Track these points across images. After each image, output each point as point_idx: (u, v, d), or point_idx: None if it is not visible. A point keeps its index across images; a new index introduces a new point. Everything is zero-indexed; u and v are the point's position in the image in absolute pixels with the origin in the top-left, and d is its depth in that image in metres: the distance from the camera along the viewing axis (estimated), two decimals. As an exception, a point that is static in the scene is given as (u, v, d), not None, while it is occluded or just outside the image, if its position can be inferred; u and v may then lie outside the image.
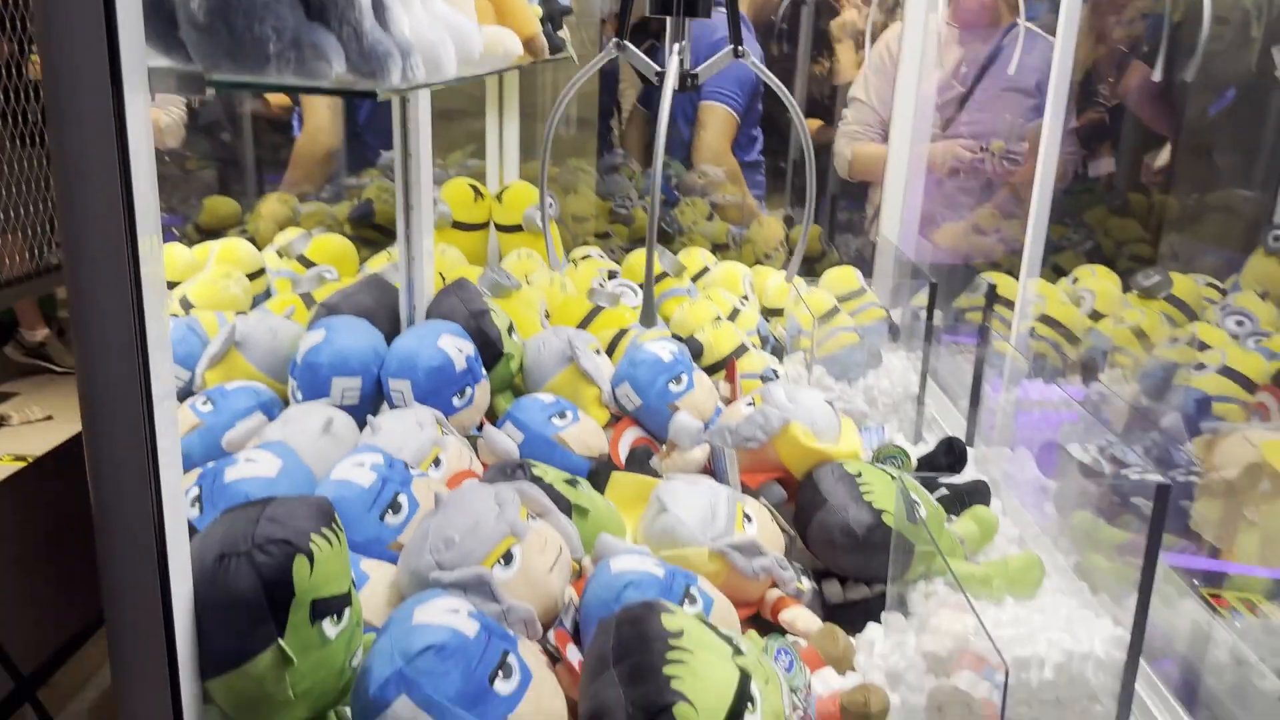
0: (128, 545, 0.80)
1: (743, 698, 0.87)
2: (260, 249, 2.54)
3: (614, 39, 1.05)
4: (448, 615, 0.92)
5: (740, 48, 1.01)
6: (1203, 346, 2.12)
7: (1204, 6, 2.17)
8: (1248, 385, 1.90)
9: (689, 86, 1.02)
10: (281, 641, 0.88)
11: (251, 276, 2.38)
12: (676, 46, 1.03)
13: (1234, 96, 2.89)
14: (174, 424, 0.82)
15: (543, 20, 1.89)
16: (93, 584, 0.82)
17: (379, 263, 2.46)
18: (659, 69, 0.98)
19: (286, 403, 1.78)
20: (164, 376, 0.80)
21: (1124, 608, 1.38)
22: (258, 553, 0.88)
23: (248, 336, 1.72)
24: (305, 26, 0.75)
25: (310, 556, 0.90)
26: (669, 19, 1.12)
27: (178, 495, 0.82)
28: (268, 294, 2.41)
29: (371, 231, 3.16)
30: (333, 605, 0.92)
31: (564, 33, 2.05)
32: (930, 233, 3.00)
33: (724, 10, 1.20)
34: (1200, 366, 1.99)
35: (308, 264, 2.45)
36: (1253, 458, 1.57)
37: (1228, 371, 1.93)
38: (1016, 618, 1.36)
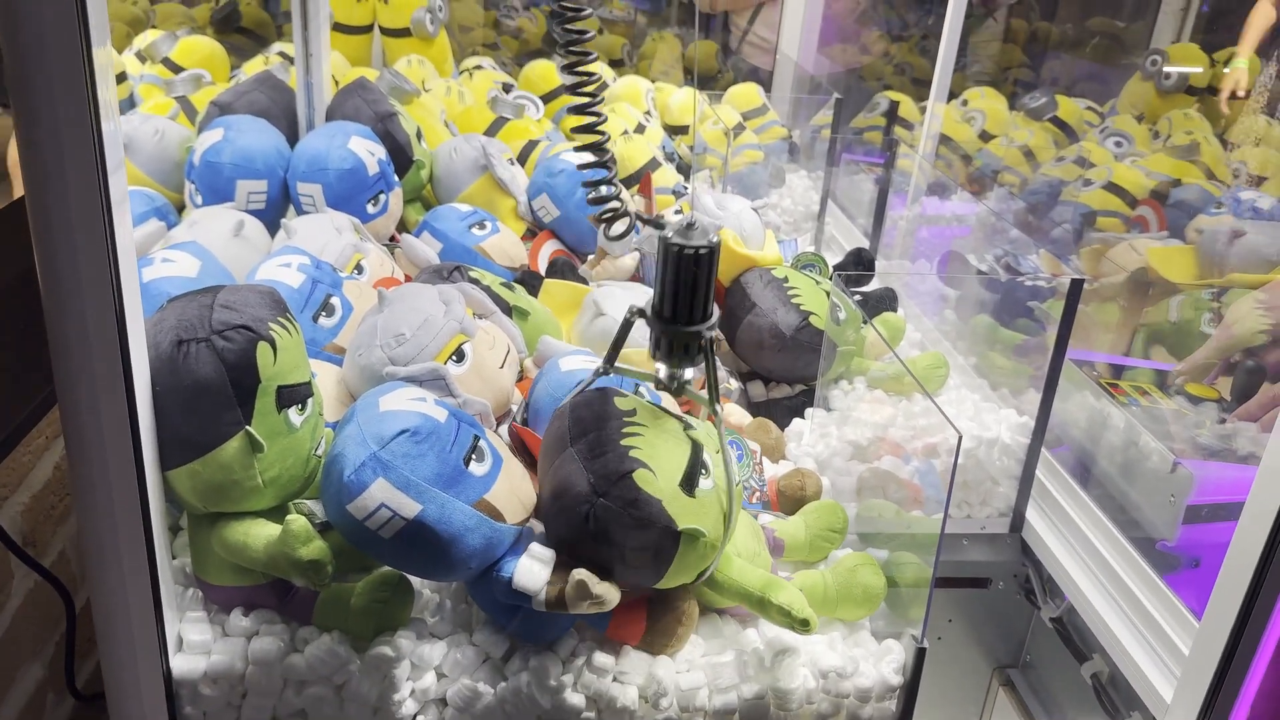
0: (82, 324, 0.74)
1: (696, 463, 0.91)
2: (117, 51, 2.31)
3: (603, 369, 1.01)
4: (415, 403, 0.91)
5: (717, 405, 0.98)
6: (1087, 165, 2.22)
7: None
8: (1130, 200, 2.02)
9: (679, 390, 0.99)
10: (250, 428, 0.85)
11: (113, 80, 2.17)
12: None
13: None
14: (125, 193, 0.76)
15: None
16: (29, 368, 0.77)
17: (255, 68, 2.29)
18: (660, 378, 0.97)
19: (181, 209, 1.67)
20: (115, 151, 0.73)
21: (1024, 401, 1.48)
22: (218, 339, 0.84)
23: (132, 139, 1.59)
24: None
25: (272, 343, 0.86)
26: None
27: (133, 270, 0.77)
28: (131, 102, 2.21)
29: (237, 36, 2.92)
30: (298, 393, 0.89)
31: None
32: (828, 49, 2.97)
33: None
34: (1087, 183, 2.09)
35: (175, 69, 2.25)
36: (1139, 264, 1.68)
37: (1112, 187, 2.04)
38: (928, 409, 1.45)
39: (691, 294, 0.89)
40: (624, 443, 0.90)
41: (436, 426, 0.88)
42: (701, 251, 0.88)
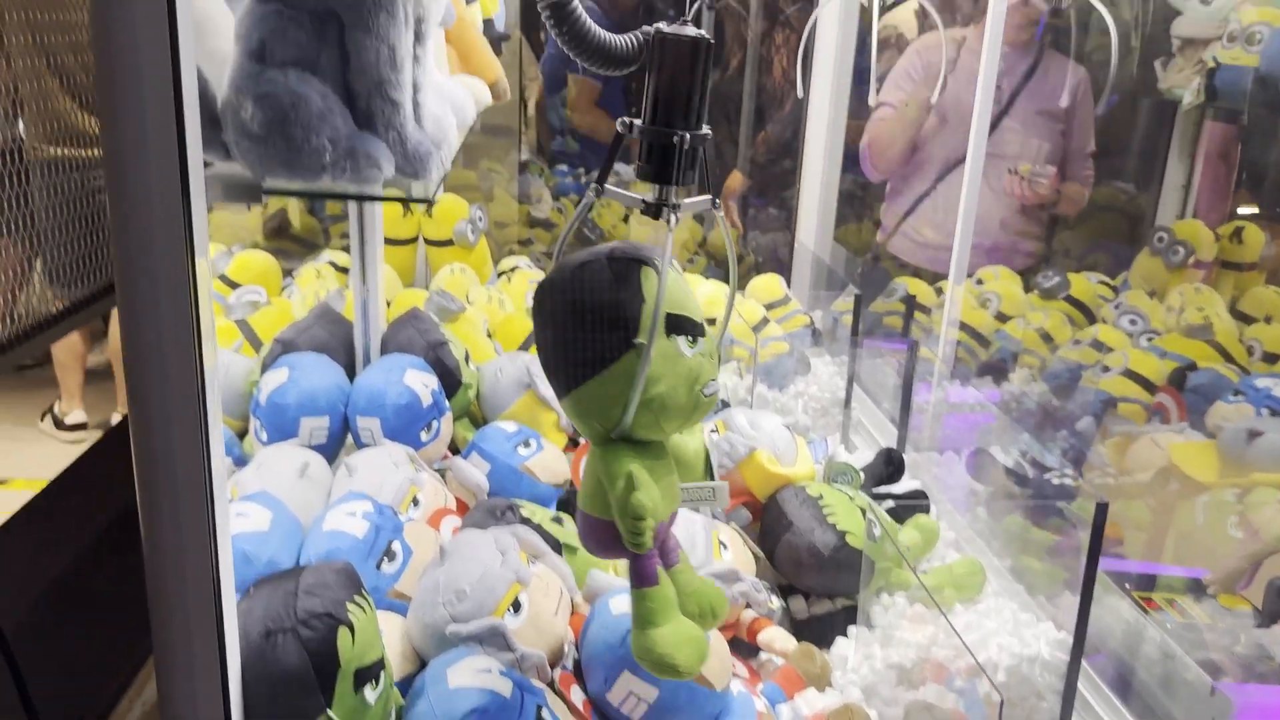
0: (185, 617, 0.82)
1: None
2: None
3: (594, 187, 1.01)
4: (482, 676, 0.97)
5: (717, 200, 1.02)
6: (1103, 348, 2.30)
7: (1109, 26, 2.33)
8: (1148, 386, 2.09)
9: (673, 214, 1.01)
10: (330, 712, 0.91)
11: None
12: (673, 220, 0.96)
13: (1116, 101, 3.10)
14: (225, 477, 0.84)
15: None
16: (125, 636, 0.82)
17: (307, 280, 2.44)
18: (646, 200, 0.94)
19: (241, 436, 1.78)
20: (217, 426, 0.82)
21: (1060, 607, 1.52)
22: (303, 628, 0.91)
23: (201, 374, 1.70)
24: (358, 136, 0.78)
25: (351, 627, 0.93)
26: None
27: (229, 565, 0.85)
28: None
29: (288, 242, 3.11)
30: (372, 671, 0.95)
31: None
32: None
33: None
34: (1105, 369, 2.16)
35: (229, 284, 2.41)
36: (1162, 462, 1.73)
37: (1130, 374, 2.11)
38: (968, 624, 1.49)
39: (687, 94, 0.85)
40: None
41: (504, 703, 0.94)
42: (696, 42, 0.84)
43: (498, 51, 2.04)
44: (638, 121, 0.90)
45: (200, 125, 0.78)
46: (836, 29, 2.67)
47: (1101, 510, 1.32)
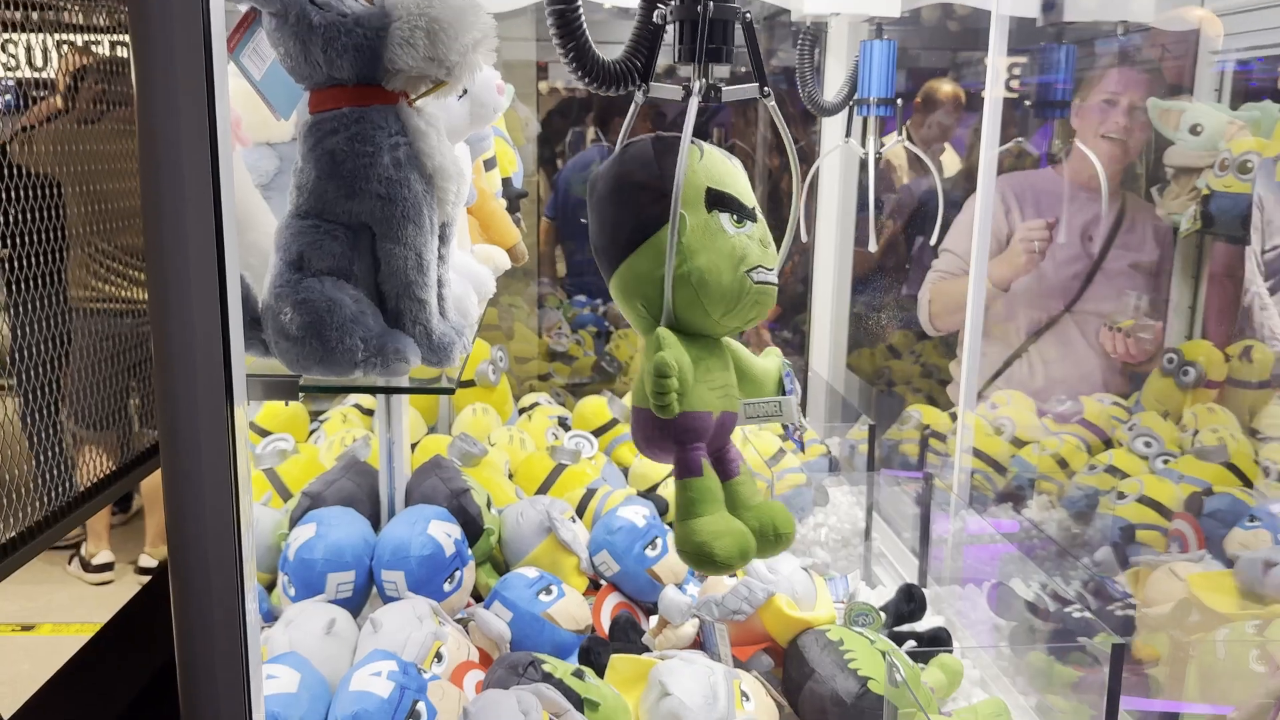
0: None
1: None
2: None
3: (641, 86, 1.01)
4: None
5: (766, 88, 1.00)
6: (1118, 474, 2.31)
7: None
8: (1165, 513, 2.09)
9: (714, 99, 1.03)
10: None
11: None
12: (697, 85, 0.99)
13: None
14: (259, 641, 0.88)
15: (507, 202, 2.02)
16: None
17: (334, 425, 2.50)
18: (686, 87, 0.97)
19: (269, 589, 1.81)
20: (252, 590, 0.86)
21: (1088, 750, 1.50)
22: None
23: (232, 529, 1.75)
24: (388, 334, 0.84)
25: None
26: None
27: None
28: (223, 463, 2.41)
29: (389, 393, 3.19)
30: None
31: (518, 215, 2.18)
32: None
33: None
34: (1121, 496, 2.18)
35: (260, 431, 2.47)
36: (1181, 593, 1.73)
37: (1146, 500, 2.12)
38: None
39: None
40: None
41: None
42: None
43: (516, 208, 2.15)
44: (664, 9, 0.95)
45: (243, 325, 0.85)
46: (839, 170, 2.79)
47: (1119, 651, 1.33)
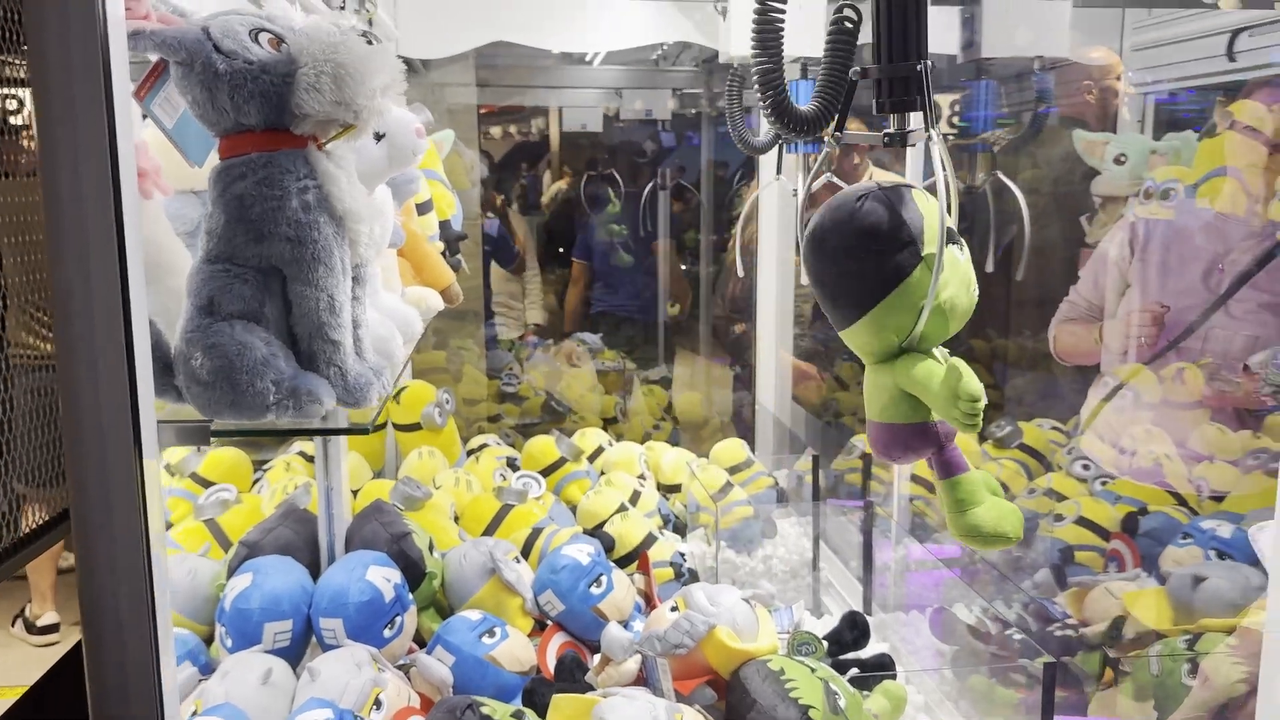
0: None
1: None
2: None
3: (833, 133, 1.16)
4: None
5: (931, 129, 1.10)
6: (1057, 496, 2.36)
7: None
8: (1102, 534, 2.13)
9: (902, 142, 1.13)
10: None
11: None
12: (934, 134, 1.11)
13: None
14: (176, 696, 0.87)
15: (444, 245, 2.03)
16: None
17: (277, 474, 2.48)
18: (889, 131, 1.12)
19: (207, 642, 1.78)
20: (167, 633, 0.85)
21: (1029, 770, 1.51)
22: None
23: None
24: (300, 376, 0.85)
25: None
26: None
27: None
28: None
29: (260, 435, 3.15)
30: None
31: (460, 255, 2.19)
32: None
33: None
34: (1059, 518, 2.22)
35: (203, 483, 2.44)
36: (1117, 610, 1.76)
37: (1083, 522, 2.16)
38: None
39: (903, 24, 1.03)
40: None
41: None
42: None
43: (456, 250, 2.16)
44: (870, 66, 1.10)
45: (155, 372, 0.85)
46: (777, 207, 2.84)
47: (1050, 669, 1.35)
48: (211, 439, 0.86)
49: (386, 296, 1.19)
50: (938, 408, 1.08)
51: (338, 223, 0.87)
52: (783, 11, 1.14)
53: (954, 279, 1.10)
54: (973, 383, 1.04)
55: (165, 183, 1.12)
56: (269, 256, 0.85)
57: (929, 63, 1.08)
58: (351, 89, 0.83)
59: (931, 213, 1.10)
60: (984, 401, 1.03)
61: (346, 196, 0.86)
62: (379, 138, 1.10)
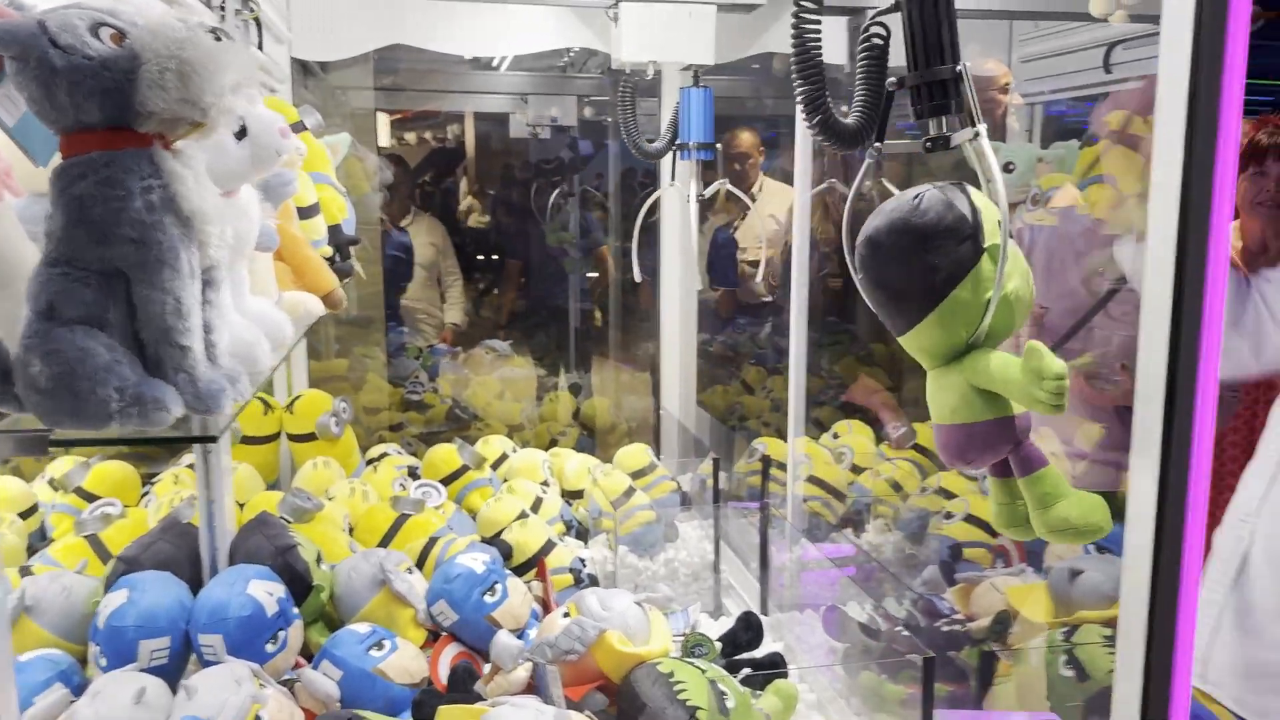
0: None
1: None
2: (28, 480, 2.41)
3: (874, 145, 1.17)
4: None
5: (977, 130, 1.11)
6: (948, 495, 2.42)
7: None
8: (989, 530, 2.19)
9: (943, 146, 1.14)
10: None
11: (24, 515, 2.27)
12: (981, 128, 1.12)
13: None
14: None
15: (334, 250, 1.99)
16: None
17: (165, 488, 2.40)
18: (928, 137, 1.11)
19: (83, 662, 1.71)
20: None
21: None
22: None
23: (39, 600, 1.66)
24: (146, 383, 0.82)
25: None
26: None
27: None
28: (42, 534, 2.29)
29: (150, 447, 3.05)
30: None
31: (353, 260, 2.15)
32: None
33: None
34: (948, 516, 2.27)
35: (88, 497, 2.35)
36: (1001, 605, 1.81)
37: (971, 519, 2.22)
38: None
39: (937, 31, 1.05)
40: None
41: None
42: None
43: (347, 255, 2.12)
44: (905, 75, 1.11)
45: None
46: (678, 213, 2.85)
47: (929, 664, 1.38)
48: (59, 448, 0.83)
49: (255, 301, 1.16)
50: (1019, 394, 1.04)
51: (185, 224, 0.84)
52: (819, 38, 1.16)
53: (1015, 272, 1.10)
54: (1056, 361, 1.02)
55: (16, 184, 1.08)
56: (112, 259, 0.82)
57: (966, 64, 1.10)
58: (198, 86, 0.81)
59: (988, 206, 1.10)
60: (1066, 379, 1.01)
61: (194, 196, 0.84)
62: (240, 137, 1.07)
